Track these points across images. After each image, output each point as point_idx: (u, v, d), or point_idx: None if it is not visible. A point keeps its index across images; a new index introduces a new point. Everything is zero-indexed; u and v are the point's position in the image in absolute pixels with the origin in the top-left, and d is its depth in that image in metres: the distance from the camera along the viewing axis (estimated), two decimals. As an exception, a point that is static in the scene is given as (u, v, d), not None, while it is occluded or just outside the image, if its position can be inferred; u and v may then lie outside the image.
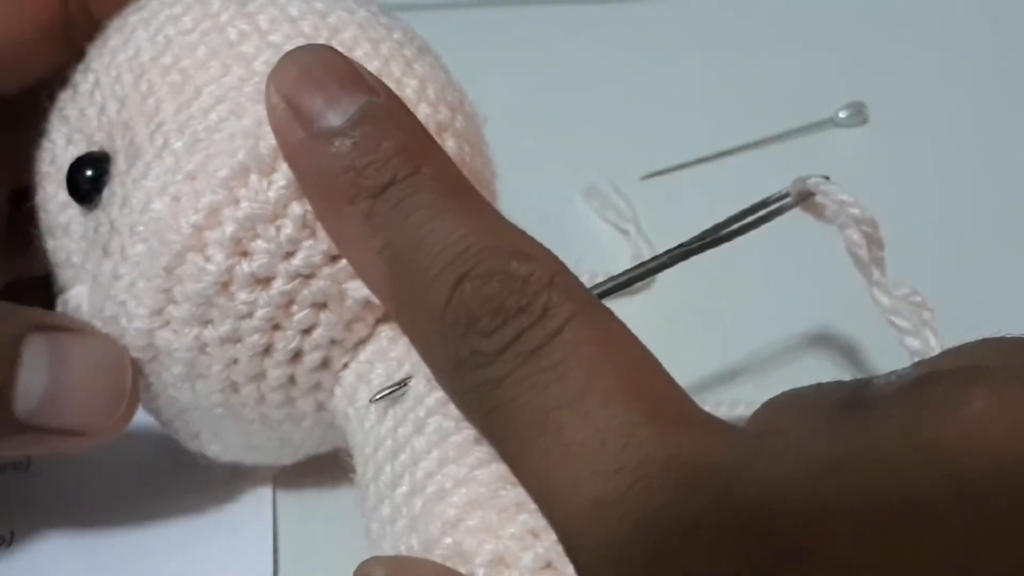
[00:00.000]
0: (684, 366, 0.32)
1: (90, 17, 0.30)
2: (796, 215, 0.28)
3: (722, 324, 0.36)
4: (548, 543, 0.22)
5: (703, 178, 0.41)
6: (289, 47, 0.26)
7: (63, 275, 0.29)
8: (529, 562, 0.22)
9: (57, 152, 0.29)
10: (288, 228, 0.25)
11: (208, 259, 0.25)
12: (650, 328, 0.33)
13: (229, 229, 0.25)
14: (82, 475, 0.31)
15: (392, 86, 0.26)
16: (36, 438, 0.26)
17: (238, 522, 0.30)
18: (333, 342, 0.27)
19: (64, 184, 0.28)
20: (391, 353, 0.27)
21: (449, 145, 0.27)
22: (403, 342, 0.26)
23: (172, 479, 0.31)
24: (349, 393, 0.27)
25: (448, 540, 0.22)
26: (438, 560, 0.22)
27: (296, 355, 0.27)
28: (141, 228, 0.26)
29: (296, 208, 0.25)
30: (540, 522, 0.22)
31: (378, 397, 0.26)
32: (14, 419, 0.26)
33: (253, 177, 0.25)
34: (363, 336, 0.27)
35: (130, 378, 0.27)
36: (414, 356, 0.26)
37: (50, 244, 0.29)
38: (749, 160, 0.42)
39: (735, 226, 0.28)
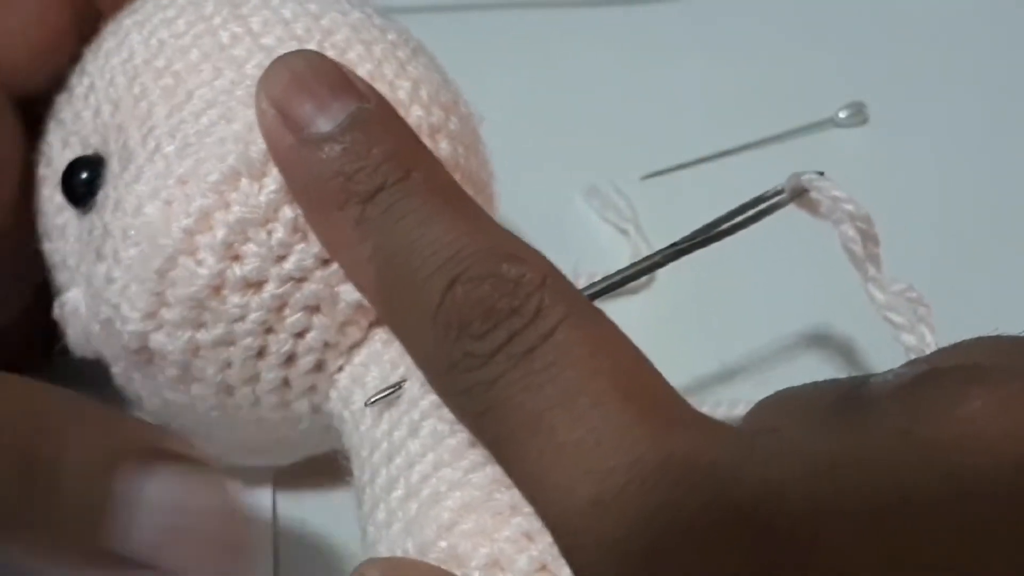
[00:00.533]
0: (683, 365, 0.32)
1: (97, 11, 0.30)
2: (794, 214, 0.28)
3: (721, 323, 0.36)
4: (543, 546, 0.22)
5: (703, 178, 0.41)
6: (282, 50, 0.26)
7: (59, 277, 0.29)
8: (524, 565, 0.22)
9: (53, 155, 0.29)
10: (279, 232, 0.25)
11: (199, 263, 0.25)
12: (649, 328, 0.33)
13: (220, 233, 0.25)
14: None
15: (385, 88, 0.26)
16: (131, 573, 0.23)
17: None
18: (327, 345, 0.27)
19: (59, 187, 0.28)
20: (385, 356, 0.27)
21: (443, 147, 0.27)
22: (397, 345, 0.26)
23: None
24: (344, 396, 0.27)
25: (443, 544, 0.22)
26: (433, 563, 0.22)
27: (290, 358, 0.27)
28: (133, 232, 0.26)
29: (287, 212, 0.25)
30: (535, 525, 0.22)
31: (373, 400, 0.26)
32: (106, 555, 0.22)
33: (244, 181, 0.25)
34: (357, 339, 0.27)
35: (242, 527, 0.24)
36: (409, 359, 0.26)
37: (47, 246, 0.29)
38: (749, 160, 0.41)
39: (730, 223, 0.28)
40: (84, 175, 0.28)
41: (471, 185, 0.28)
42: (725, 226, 0.28)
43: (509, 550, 0.22)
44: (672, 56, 0.46)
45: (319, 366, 0.27)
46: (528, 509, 0.22)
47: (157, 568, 0.23)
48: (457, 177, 0.27)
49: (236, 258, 0.25)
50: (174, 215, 0.25)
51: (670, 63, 0.45)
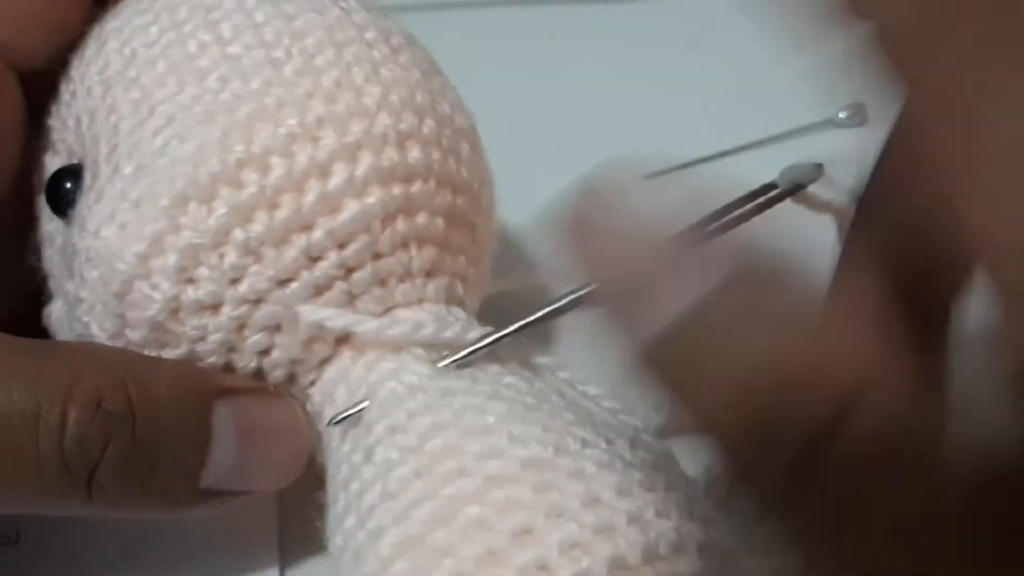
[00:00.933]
0: None
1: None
2: (793, 214, 0.28)
3: None
4: None
5: (703, 178, 0.41)
6: (247, 58, 0.26)
7: (49, 285, 0.29)
8: None
9: (44, 162, 0.29)
10: (231, 255, 0.25)
11: (154, 287, 0.25)
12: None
13: (172, 258, 0.25)
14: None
15: (351, 96, 0.26)
16: (217, 503, 0.26)
17: (244, 524, 0.30)
18: (294, 361, 0.27)
19: (45, 195, 0.28)
20: (352, 373, 0.26)
21: (413, 155, 0.27)
22: (364, 361, 0.26)
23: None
24: (317, 411, 0.27)
25: None
26: None
27: (258, 373, 0.27)
28: (93, 254, 0.26)
29: (238, 235, 0.25)
30: (466, 568, 0.22)
31: (335, 421, 0.26)
32: (199, 491, 0.25)
33: (192, 205, 0.25)
34: (326, 355, 0.27)
35: (307, 440, 0.27)
36: (372, 377, 0.26)
37: (42, 253, 0.29)
38: (749, 160, 0.41)
39: (723, 220, 0.28)
40: (67, 185, 0.27)
41: (450, 190, 0.28)
42: (717, 224, 0.28)
43: None
44: (671, 56, 0.45)
45: (291, 379, 0.27)
46: (462, 551, 0.22)
47: (237, 493, 0.25)
48: (431, 184, 0.27)
49: (190, 281, 0.25)
50: (128, 239, 0.25)
51: (669, 63, 0.45)
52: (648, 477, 0.23)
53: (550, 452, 0.23)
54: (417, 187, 0.27)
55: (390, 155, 0.26)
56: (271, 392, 0.27)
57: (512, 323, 0.27)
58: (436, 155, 0.28)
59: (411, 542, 0.22)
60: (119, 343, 0.26)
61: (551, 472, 0.23)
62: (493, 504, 0.22)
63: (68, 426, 0.23)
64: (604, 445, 0.24)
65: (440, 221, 0.28)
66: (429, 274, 0.28)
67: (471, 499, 0.23)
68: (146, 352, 0.26)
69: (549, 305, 0.27)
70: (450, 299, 0.28)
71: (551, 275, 0.35)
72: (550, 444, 0.23)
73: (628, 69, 0.45)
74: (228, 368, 0.26)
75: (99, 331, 0.26)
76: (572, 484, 0.22)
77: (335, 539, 0.25)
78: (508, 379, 0.26)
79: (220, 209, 0.25)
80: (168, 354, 0.26)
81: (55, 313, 0.28)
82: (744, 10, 0.47)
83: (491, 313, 0.31)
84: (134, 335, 0.26)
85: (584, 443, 0.24)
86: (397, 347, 0.26)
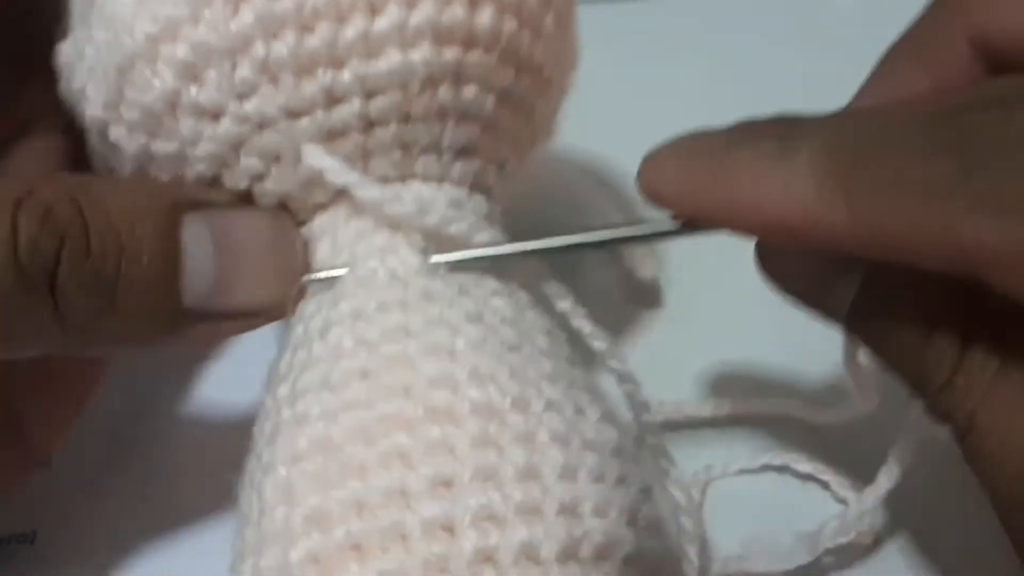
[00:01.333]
0: (684, 368, 0.32)
1: None
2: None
3: (723, 326, 0.34)
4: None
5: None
6: None
7: (69, 21, 0.26)
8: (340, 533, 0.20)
9: None
10: (245, 68, 0.23)
11: (156, 74, 0.23)
12: (652, 332, 0.32)
13: (181, 51, 0.23)
14: (105, 472, 0.29)
15: None
16: (210, 327, 0.24)
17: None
18: (287, 196, 0.25)
19: None
20: (341, 233, 0.24)
21: (483, 18, 0.24)
22: (355, 225, 0.24)
23: (197, 475, 0.29)
24: None
25: (282, 472, 0.21)
26: (270, 488, 0.21)
27: (248, 196, 0.25)
28: (106, 16, 0.24)
29: (259, 49, 0.23)
30: (371, 498, 0.20)
31: (309, 279, 0.24)
32: (186, 310, 0.23)
33: (219, 2, 0.23)
34: (321, 202, 0.25)
35: (300, 252, 0.25)
36: (359, 247, 0.24)
37: None
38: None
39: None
40: None
41: (514, 67, 0.25)
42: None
43: (335, 509, 0.20)
44: (672, 56, 0.43)
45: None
46: (375, 480, 0.20)
47: (224, 313, 0.24)
48: (493, 56, 0.24)
49: (196, 81, 0.23)
50: (143, 15, 0.23)
51: (670, 63, 0.43)
52: (601, 464, 0.21)
53: (507, 403, 0.21)
54: (476, 56, 0.24)
55: (455, 11, 0.23)
56: (257, 206, 0.25)
57: (527, 239, 0.24)
58: (510, 24, 0.25)
59: (329, 447, 0.21)
60: (112, 115, 0.24)
61: (498, 426, 0.20)
62: (425, 440, 0.20)
63: (20, 234, 0.22)
64: (569, 412, 0.21)
65: (492, 99, 0.25)
66: (461, 153, 0.25)
67: (405, 426, 0.20)
68: (135, 135, 0.24)
69: (572, 236, 0.24)
70: (477, 184, 0.26)
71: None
72: (510, 394, 0.21)
73: (628, 69, 0.43)
74: (215, 182, 0.25)
75: (95, 96, 0.24)
76: (515, 448, 0.20)
77: (266, 397, 0.23)
78: (497, 302, 0.23)
79: (247, 14, 0.23)
80: (158, 146, 0.24)
81: (65, 54, 0.25)
82: (745, 11, 0.46)
83: (515, 207, 0.28)
84: (127, 113, 0.24)
85: (548, 405, 0.21)
86: (395, 223, 0.24)
